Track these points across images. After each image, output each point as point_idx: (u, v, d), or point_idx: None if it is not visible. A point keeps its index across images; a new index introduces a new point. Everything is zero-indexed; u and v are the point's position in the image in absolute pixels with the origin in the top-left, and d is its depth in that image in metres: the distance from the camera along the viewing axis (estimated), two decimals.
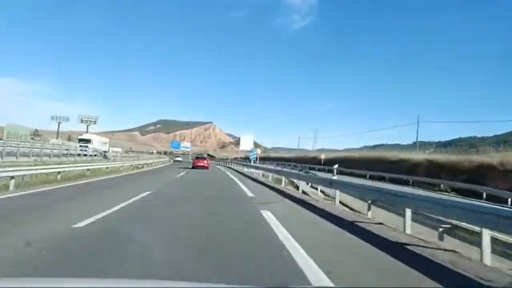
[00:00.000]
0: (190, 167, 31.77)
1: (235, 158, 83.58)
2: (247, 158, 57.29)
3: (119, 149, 41.65)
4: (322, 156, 49.62)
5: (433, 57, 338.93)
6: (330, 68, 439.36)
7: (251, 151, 41.76)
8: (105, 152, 43.07)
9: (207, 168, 31.49)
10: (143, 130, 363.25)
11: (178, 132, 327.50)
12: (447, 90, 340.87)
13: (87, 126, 52.78)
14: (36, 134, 57.03)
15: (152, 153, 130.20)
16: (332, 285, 3.12)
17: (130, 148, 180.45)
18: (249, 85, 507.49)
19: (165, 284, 2.05)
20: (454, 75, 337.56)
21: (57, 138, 51.32)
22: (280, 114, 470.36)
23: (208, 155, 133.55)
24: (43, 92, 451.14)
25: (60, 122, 49.23)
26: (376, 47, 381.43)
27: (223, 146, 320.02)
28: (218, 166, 46.66)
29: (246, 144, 49.53)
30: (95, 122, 53.94)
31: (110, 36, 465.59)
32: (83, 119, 52.93)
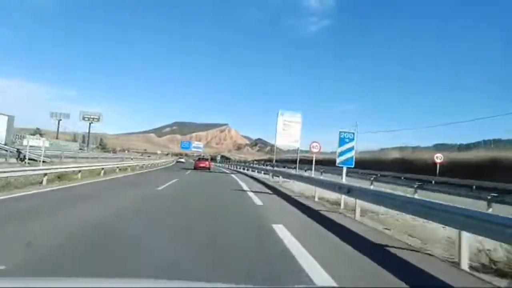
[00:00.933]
0: (176, 178, 20.49)
1: (257, 161, 62.91)
2: (285, 161, 40.31)
3: (38, 140, 20.60)
4: (438, 159, 25.05)
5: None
6: (348, 69, 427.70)
7: (345, 140, 12.23)
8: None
9: (208, 169, 31.34)
10: (159, 132, 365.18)
11: (193, 134, 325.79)
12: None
13: (90, 123, 48.11)
14: (37, 132, 52.86)
15: (167, 154, 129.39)
16: None
17: (145, 150, 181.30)
18: (266, 87, 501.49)
19: (165, 284, 1.94)
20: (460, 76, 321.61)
21: (57, 138, 46.92)
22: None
23: (223, 156, 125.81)
24: (67, 96, 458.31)
25: (60, 120, 44.74)
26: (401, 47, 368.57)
27: (238, 148, 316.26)
28: (238, 179, 21.41)
29: (289, 133, 24.16)
30: (98, 120, 49.09)
31: (127, 39, 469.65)
32: (84, 116, 48.20)
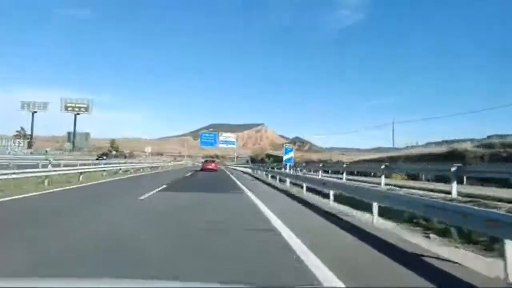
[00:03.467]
0: None
1: (367, 161, 30.39)
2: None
3: None
4: None
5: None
6: (379, 64, 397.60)
7: None
8: None
9: (215, 171, 29.85)
10: (195, 134, 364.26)
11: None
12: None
13: (75, 115, 37.15)
14: (20, 133, 41.79)
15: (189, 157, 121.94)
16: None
17: (179, 153, 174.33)
18: (300, 85, 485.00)
19: (165, 284, 2.00)
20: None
21: (30, 139, 36.49)
22: (329, 113, 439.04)
23: (269, 155, 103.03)
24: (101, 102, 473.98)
25: (35, 112, 34.05)
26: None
27: (276, 148, 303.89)
28: None
29: None
30: (86, 110, 38.06)
31: (162, 44, 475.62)
32: (68, 104, 37.10)
